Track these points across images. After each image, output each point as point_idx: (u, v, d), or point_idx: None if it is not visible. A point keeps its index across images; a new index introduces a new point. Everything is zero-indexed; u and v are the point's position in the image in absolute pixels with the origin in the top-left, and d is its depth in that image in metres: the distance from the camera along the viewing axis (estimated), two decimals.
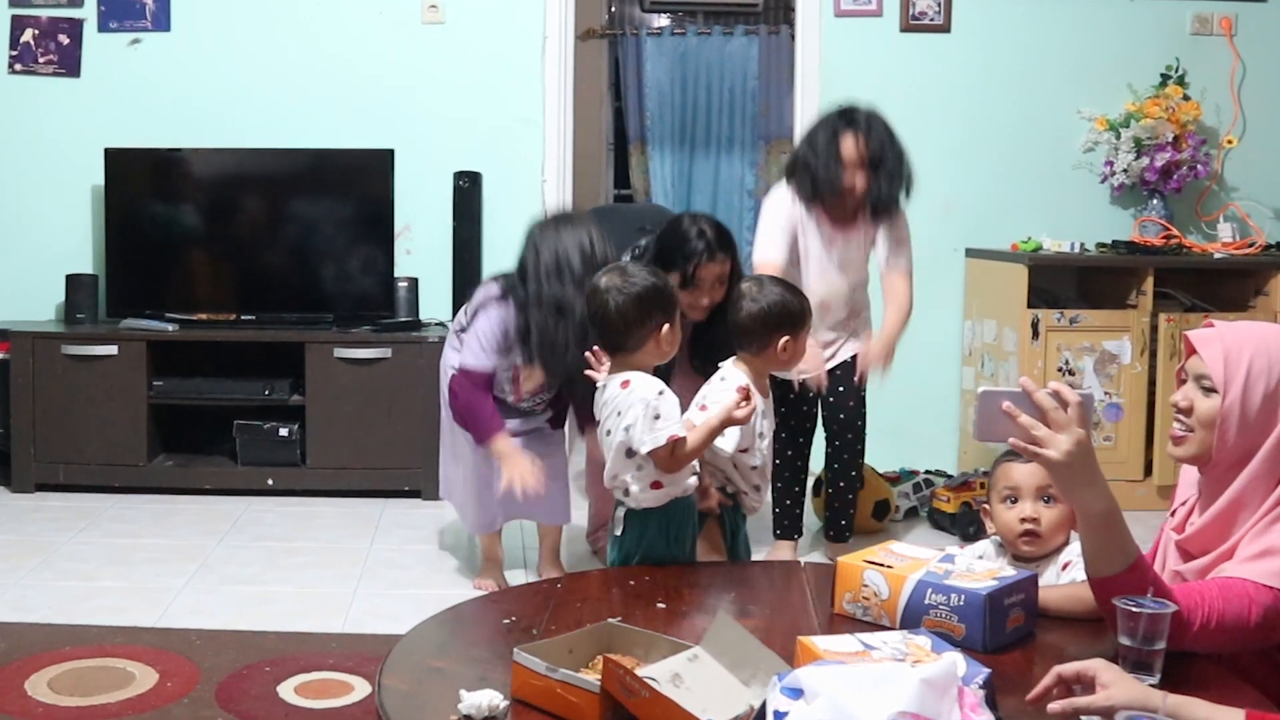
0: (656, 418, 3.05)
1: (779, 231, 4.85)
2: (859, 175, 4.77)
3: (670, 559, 3.08)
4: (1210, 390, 2.33)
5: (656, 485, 3.12)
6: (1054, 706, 1.96)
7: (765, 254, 4.83)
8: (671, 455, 3.07)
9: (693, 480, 3.19)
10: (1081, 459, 2.16)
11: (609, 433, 3.14)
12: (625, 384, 3.13)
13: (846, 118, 4.81)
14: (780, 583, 2.95)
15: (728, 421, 3.17)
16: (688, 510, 3.19)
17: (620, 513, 3.17)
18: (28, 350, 5.84)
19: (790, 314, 3.52)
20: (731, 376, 3.47)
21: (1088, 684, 1.97)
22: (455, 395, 4.43)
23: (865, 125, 4.78)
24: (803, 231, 4.87)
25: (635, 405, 3.07)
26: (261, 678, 3.75)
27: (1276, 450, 2.28)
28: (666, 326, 3.19)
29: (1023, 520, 2.68)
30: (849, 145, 4.76)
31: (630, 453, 3.10)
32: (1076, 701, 1.95)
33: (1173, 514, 2.51)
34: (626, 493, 3.14)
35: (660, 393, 3.09)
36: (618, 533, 3.17)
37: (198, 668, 3.80)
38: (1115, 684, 1.97)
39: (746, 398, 3.21)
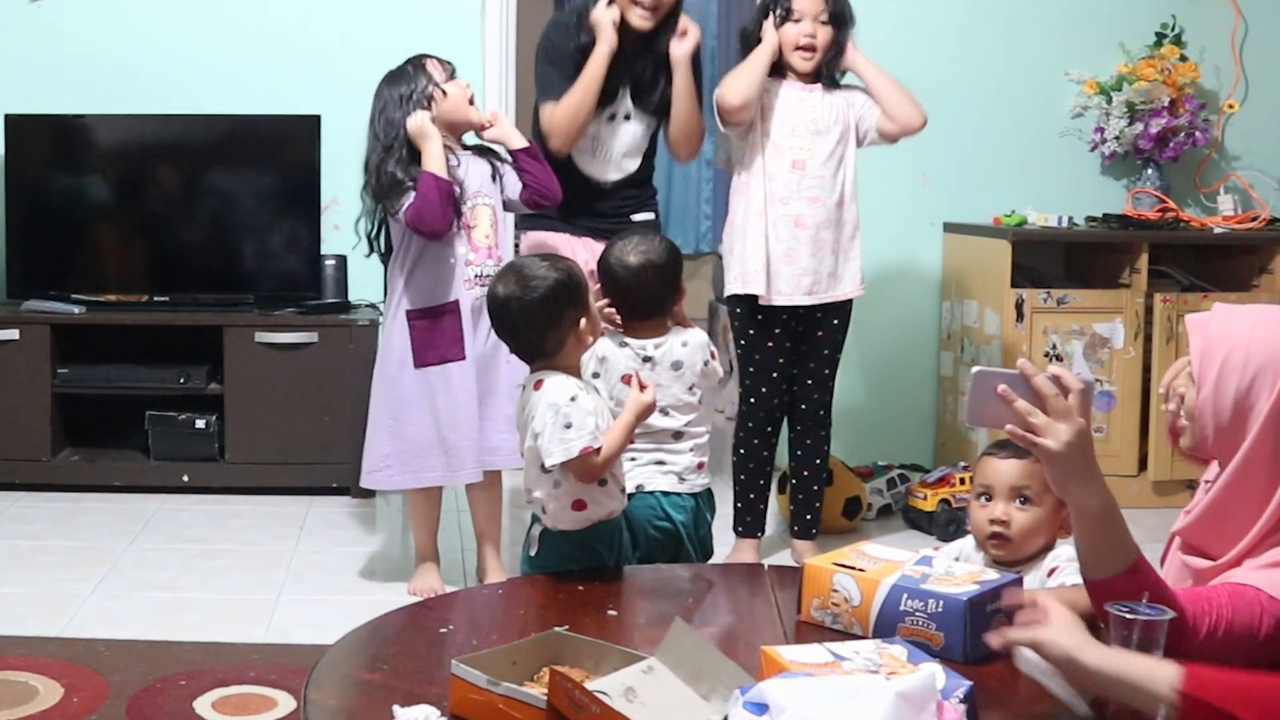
0: (567, 426, 2.97)
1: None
2: (820, 30, 4.83)
3: None
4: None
5: (579, 505, 3.06)
6: (992, 638, 2.13)
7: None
8: (586, 466, 2.99)
9: (619, 504, 3.15)
10: (1081, 451, 2.17)
11: (531, 440, 3.07)
12: (539, 385, 3.05)
13: None
14: (742, 588, 2.96)
15: (642, 414, 3.12)
16: (614, 533, 3.14)
17: (535, 531, 3.11)
18: None
19: (676, 259, 3.61)
20: (692, 337, 3.55)
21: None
22: (421, 201, 4.35)
23: None
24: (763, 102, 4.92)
25: (545, 412, 2.99)
26: (176, 692, 3.74)
27: (1252, 456, 2.29)
28: (583, 320, 3.12)
29: (992, 521, 2.70)
30: None
31: (545, 467, 3.03)
32: (1007, 632, 2.10)
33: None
34: (544, 510, 3.09)
35: (572, 398, 3.00)
36: (531, 553, 3.12)
37: (107, 681, 3.78)
38: (1050, 620, 2.07)
39: (642, 386, 3.15)
